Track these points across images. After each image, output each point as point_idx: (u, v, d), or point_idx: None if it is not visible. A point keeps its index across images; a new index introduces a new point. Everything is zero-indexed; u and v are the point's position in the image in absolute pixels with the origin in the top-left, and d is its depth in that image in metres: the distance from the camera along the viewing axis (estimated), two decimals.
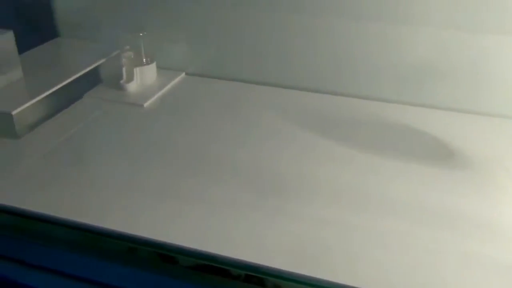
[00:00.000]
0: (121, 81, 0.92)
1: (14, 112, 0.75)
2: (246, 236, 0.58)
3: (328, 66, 0.92)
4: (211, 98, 0.92)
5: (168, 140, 0.78)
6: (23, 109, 0.76)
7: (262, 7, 0.91)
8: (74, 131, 0.80)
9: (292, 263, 0.53)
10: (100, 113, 0.86)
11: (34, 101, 0.78)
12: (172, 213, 0.61)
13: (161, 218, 0.61)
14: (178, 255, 0.57)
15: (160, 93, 0.92)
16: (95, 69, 0.94)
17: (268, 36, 0.94)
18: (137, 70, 0.92)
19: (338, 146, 0.76)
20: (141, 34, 0.93)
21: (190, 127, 0.82)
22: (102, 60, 0.95)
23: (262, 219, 0.60)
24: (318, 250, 0.56)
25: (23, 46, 0.89)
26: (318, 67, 0.93)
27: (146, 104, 0.88)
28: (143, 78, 0.94)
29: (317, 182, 0.68)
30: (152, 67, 0.95)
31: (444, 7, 0.82)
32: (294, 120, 0.83)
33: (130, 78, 0.92)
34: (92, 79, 0.94)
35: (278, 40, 0.93)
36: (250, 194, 0.64)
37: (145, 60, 0.94)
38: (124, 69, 0.92)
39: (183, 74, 1.00)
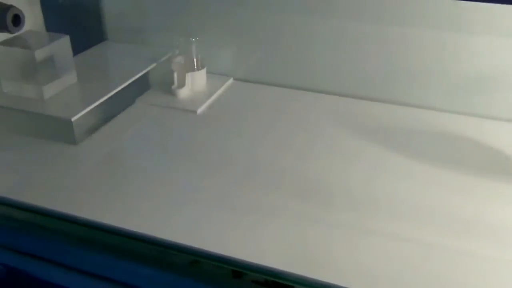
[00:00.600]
0: (173, 87, 0.91)
1: (73, 119, 0.75)
2: (317, 253, 0.57)
3: (381, 73, 0.91)
4: (263, 104, 0.91)
5: (224, 148, 0.77)
6: (81, 115, 0.76)
7: (312, 13, 0.90)
8: (129, 137, 0.80)
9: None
10: (154, 119, 0.86)
11: (92, 107, 0.78)
12: (233, 224, 0.61)
13: (222, 230, 0.60)
14: (245, 270, 0.56)
15: (211, 99, 0.91)
16: (145, 74, 0.93)
17: (317, 42, 0.92)
18: (189, 76, 0.92)
19: (393, 156, 0.74)
20: (193, 39, 0.92)
21: (244, 134, 0.81)
22: (153, 65, 0.94)
23: (330, 235, 0.59)
24: (390, 269, 0.55)
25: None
26: (369, 74, 0.92)
27: (199, 111, 0.87)
28: (194, 84, 0.93)
29: (373, 194, 0.67)
30: (203, 72, 0.95)
31: (506, 15, 0.80)
32: (347, 127, 0.82)
33: (181, 84, 0.92)
34: (141, 84, 0.93)
35: (328, 46, 0.92)
36: (312, 207, 0.64)
37: (196, 66, 0.94)
38: (175, 75, 0.91)
39: (231, 80, 0.99)
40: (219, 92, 0.94)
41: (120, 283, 0.63)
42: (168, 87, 0.93)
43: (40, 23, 1.03)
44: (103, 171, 0.71)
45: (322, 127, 0.83)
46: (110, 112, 0.84)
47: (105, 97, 0.81)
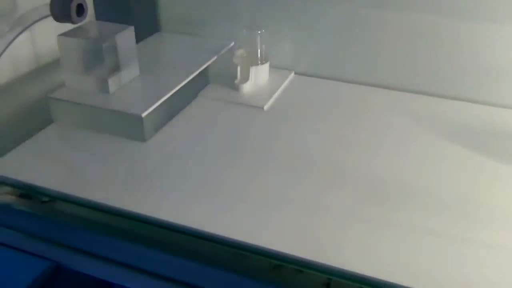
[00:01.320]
0: (236, 81, 0.87)
1: (144, 115, 0.71)
2: (421, 262, 0.53)
3: (452, 70, 0.86)
4: (329, 100, 0.87)
5: (295, 145, 0.73)
6: (150, 111, 0.72)
7: (380, 6, 0.85)
8: (196, 133, 0.76)
9: None
10: (219, 114, 0.82)
11: (160, 102, 0.74)
12: (314, 227, 0.57)
13: (304, 233, 0.56)
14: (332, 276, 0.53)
15: (276, 95, 0.87)
16: (205, 67, 0.89)
17: (386, 36, 0.88)
18: (253, 70, 0.88)
19: (474, 155, 0.70)
20: (258, 32, 0.88)
21: (314, 132, 0.77)
22: (214, 58, 0.90)
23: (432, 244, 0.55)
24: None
25: None
26: (439, 70, 0.87)
27: (265, 107, 0.83)
28: (257, 78, 0.89)
29: (457, 197, 0.62)
30: (266, 66, 0.90)
31: None
32: (419, 125, 0.78)
33: (244, 78, 0.88)
34: (202, 78, 0.89)
35: (396, 40, 0.87)
36: (391, 210, 0.60)
37: (260, 59, 0.90)
38: (239, 68, 0.87)
39: (292, 74, 0.95)
40: (283, 87, 0.90)
41: (184, 283, 0.59)
42: (229, 81, 0.89)
43: (90, 13, 0.99)
44: (173, 169, 0.67)
45: (393, 124, 0.78)
46: (174, 107, 0.80)
47: (172, 92, 0.77)
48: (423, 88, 0.88)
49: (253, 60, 0.89)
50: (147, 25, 1.03)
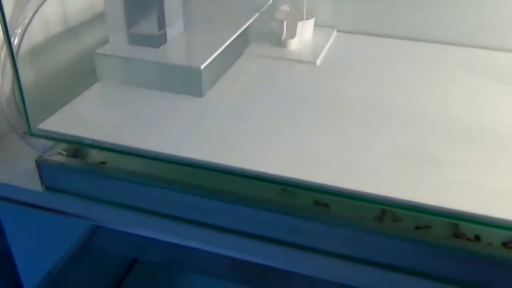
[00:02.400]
0: (283, 37, 0.83)
1: (202, 67, 0.67)
2: None
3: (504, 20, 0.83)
4: (381, 56, 0.83)
5: (359, 97, 0.70)
6: (207, 65, 0.68)
7: None
8: (252, 87, 0.72)
9: None
10: (271, 70, 0.78)
11: (216, 54, 0.70)
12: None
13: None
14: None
15: (325, 51, 0.83)
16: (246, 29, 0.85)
17: None
18: (300, 25, 0.84)
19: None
20: None
21: (376, 83, 0.74)
22: (256, 15, 0.86)
23: None
24: None
25: None
26: (491, 22, 0.84)
27: (318, 62, 0.79)
28: (303, 34, 0.85)
29: None
30: (311, 22, 0.86)
31: None
32: (474, 75, 0.75)
33: (291, 34, 0.84)
34: (244, 36, 0.85)
35: None
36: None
37: (306, 15, 0.86)
38: (285, 23, 0.83)
39: (335, 32, 0.91)
40: (329, 43, 0.86)
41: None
42: (271, 40, 0.85)
43: None
44: (233, 122, 0.63)
45: (451, 76, 0.76)
46: (224, 63, 0.76)
47: (224, 45, 0.73)
48: (471, 41, 0.85)
49: (297, 16, 0.85)
50: None
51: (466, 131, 0.61)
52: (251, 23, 0.85)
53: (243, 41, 0.84)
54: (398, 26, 0.89)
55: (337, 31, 0.92)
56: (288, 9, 0.86)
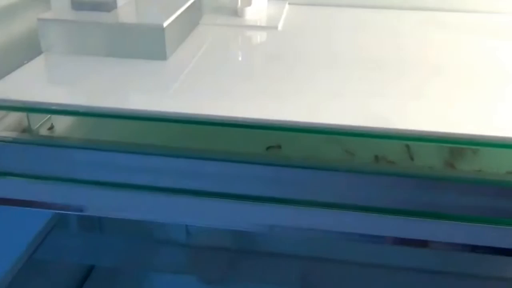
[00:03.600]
0: (239, 6, 0.79)
1: (165, 24, 0.60)
2: None
3: None
4: (334, 20, 0.81)
5: (322, 52, 0.67)
6: (169, 24, 0.62)
7: None
8: (217, 51, 0.67)
9: None
10: (231, 35, 0.73)
11: (177, 14, 0.64)
12: None
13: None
14: None
15: (282, 18, 0.80)
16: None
17: None
18: None
19: None
20: None
21: (331, 41, 0.72)
22: None
23: None
24: None
25: None
26: None
27: (280, 27, 0.75)
28: (257, 4, 0.81)
29: None
30: None
31: None
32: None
33: (246, 3, 0.79)
34: (196, 7, 0.79)
35: None
36: None
37: None
38: None
39: (287, 4, 0.88)
40: (285, 13, 0.83)
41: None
42: (225, 11, 0.80)
43: None
44: (206, 82, 0.57)
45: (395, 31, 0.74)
46: (181, 31, 0.69)
47: (184, 7, 0.67)
48: None
49: None
50: None
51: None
52: None
53: (198, 11, 0.78)
54: None
55: (289, 4, 0.88)
56: None
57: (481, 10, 0.83)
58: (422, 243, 0.50)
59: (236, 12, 0.79)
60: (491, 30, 0.76)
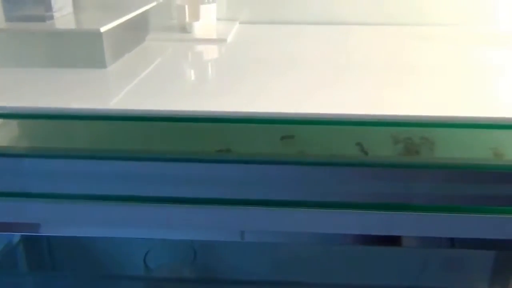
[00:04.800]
0: (186, 20, 0.77)
1: (103, 29, 0.58)
2: None
3: None
4: (282, 36, 0.80)
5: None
6: (108, 31, 0.59)
7: None
8: (163, 63, 0.64)
9: None
10: (179, 48, 0.71)
11: (116, 23, 0.61)
12: None
13: None
14: None
15: (231, 32, 0.78)
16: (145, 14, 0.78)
17: None
18: (203, 8, 0.78)
19: None
20: None
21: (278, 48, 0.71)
22: (154, 3, 0.79)
23: None
24: None
25: None
26: None
27: (229, 39, 0.74)
28: (206, 19, 0.80)
29: None
30: (213, 6, 0.81)
31: None
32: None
33: (194, 18, 0.78)
34: (143, 24, 0.78)
35: None
36: None
37: (207, 0, 0.81)
38: (187, 7, 0.77)
39: (237, 23, 0.87)
40: (234, 29, 0.81)
41: None
42: (173, 28, 0.79)
43: None
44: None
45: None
46: (122, 43, 0.67)
47: (124, 18, 0.65)
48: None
49: (201, 2, 0.80)
50: None
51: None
52: (152, 15, 0.79)
53: (143, 27, 0.76)
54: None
55: (239, 23, 0.88)
56: None
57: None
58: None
59: (185, 29, 0.78)
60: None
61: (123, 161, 0.47)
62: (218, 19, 0.84)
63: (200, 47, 0.72)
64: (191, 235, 0.58)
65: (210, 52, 0.71)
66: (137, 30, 0.71)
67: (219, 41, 0.73)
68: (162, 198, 0.48)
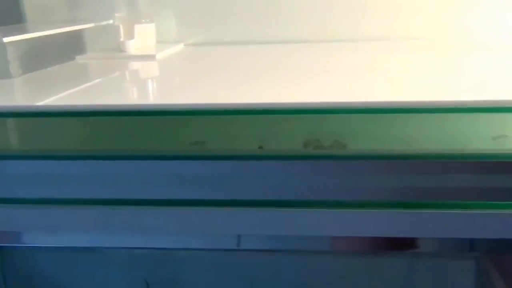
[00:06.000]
0: (121, 39, 0.76)
1: (6, 40, 0.57)
2: None
3: None
4: (216, 54, 0.79)
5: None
6: (14, 42, 0.58)
7: None
8: (79, 76, 0.63)
9: None
10: (106, 64, 0.70)
11: (23, 37, 0.61)
12: None
13: None
14: None
15: (166, 51, 0.77)
16: (81, 36, 0.78)
17: None
18: (137, 28, 0.78)
19: None
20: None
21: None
22: (91, 25, 0.79)
23: None
24: None
25: None
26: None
27: (158, 56, 0.73)
28: (143, 39, 0.79)
29: None
30: (152, 26, 0.81)
31: None
32: None
33: (129, 37, 0.77)
34: (78, 44, 0.77)
35: None
36: None
37: (144, 20, 0.81)
38: (121, 27, 0.77)
39: (182, 44, 0.86)
40: (172, 49, 0.81)
41: None
42: (109, 48, 0.78)
43: None
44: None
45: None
46: (37, 57, 0.66)
47: (37, 34, 0.64)
48: None
49: (135, 21, 0.80)
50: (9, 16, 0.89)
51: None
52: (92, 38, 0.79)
53: (73, 47, 0.75)
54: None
55: (184, 45, 0.87)
56: (125, 16, 0.80)
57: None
58: None
59: (119, 48, 0.77)
60: None
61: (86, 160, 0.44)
62: (165, 42, 0.84)
63: (123, 63, 0.71)
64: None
65: (131, 67, 0.69)
66: (61, 48, 0.70)
67: (148, 57, 0.72)
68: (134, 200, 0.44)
